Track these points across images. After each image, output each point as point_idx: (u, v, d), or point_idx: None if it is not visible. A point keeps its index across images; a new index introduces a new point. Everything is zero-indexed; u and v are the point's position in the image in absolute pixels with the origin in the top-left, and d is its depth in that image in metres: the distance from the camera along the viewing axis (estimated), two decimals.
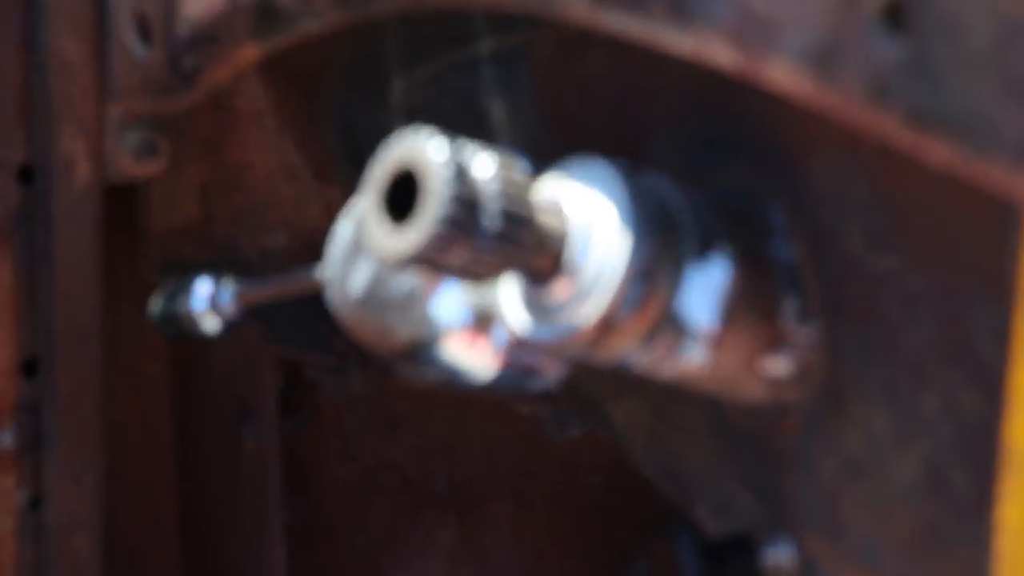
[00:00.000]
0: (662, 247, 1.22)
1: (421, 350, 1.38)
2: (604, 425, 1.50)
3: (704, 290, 1.22)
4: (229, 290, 1.54)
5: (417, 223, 1.17)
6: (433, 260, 1.17)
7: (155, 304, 1.57)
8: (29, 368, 1.72)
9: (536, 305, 1.25)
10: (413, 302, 1.37)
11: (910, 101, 1.01)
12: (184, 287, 1.55)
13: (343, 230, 1.41)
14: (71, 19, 1.64)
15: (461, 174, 1.17)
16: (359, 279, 1.40)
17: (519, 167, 1.21)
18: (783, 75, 1.08)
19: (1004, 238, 1.12)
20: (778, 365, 1.27)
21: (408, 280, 1.37)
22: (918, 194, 1.18)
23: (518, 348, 1.38)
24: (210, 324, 1.55)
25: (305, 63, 1.70)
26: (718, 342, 1.23)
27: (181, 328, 1.56)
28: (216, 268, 1.62)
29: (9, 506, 1.74)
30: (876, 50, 1.03)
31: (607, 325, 1.22)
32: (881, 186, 1.21)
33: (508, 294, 1.28)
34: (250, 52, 1.52)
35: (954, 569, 1.19)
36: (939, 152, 1.01)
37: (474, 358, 1.38)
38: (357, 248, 1.40)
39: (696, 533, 1.35)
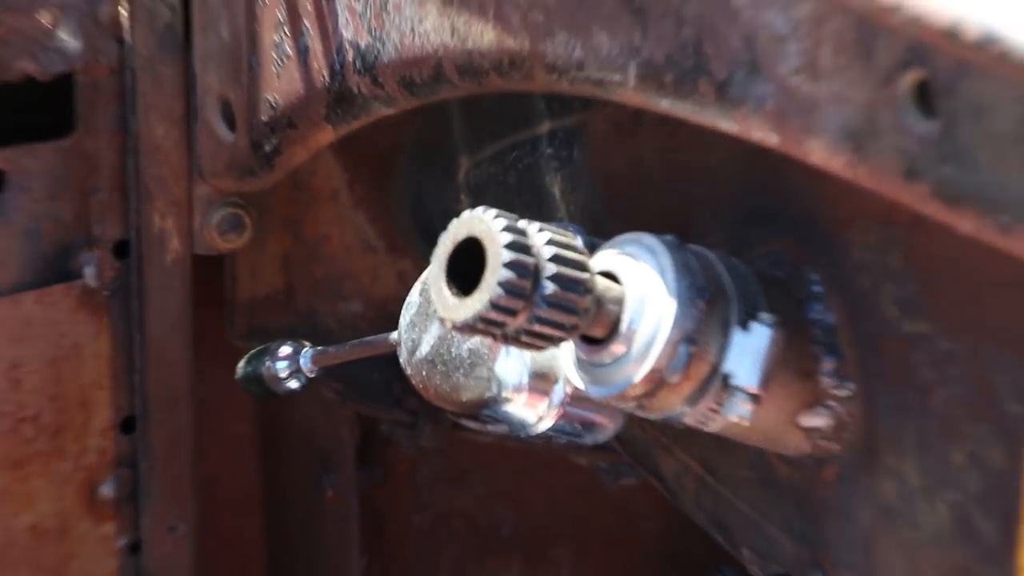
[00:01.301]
0: (708, 314, 1.26)
1: (486, 406, 1.42)
2: (656, 476, 1.53)
3: (748, 353, 1.26)
4: (309, 353, 1.57)
5: (479, 290, 1.21)
6: (494, 325, 1.21)
7: (241, 367, 1.60)
8: (127, 426, 1.77)
9: (591, 366, 1.29)
10: (478, 362, 1.41)
11: (940, 177, 1.04)
12: (268, 351, 1.58)
13: (414, 297, 1.45)
14: (161, 106, 1.67)
15: (520, 245, 1.21)
16: (428, 342, 1.43)
17: (576, 239, 1.25)
18: (821, 152, 1.11)
19: None
20: (817, 420, 1.31)
21: (473, 342, 1.41)
22: (948, 263, 1.22)
23: (575, 404, 1.41)
24: (292, 384, 1.58)
25: (377, 144, 1.75)
26: (761, 400, 1.27)
27: (265, 388, 1.59)
28: (297, 333, 1.66)
29: (111, 550, 1.78)
30: (908, 129, 1.05)
31: (656, 385, 1.26)
32: (913, 256, 1.24)
33: (566, 354, 1.32)
34: (326, 135, 1.55)
35: None
36: (968, 225, 1.03)
37: (535, 413, 1.41)
38: (426, 314, 1.43)
39: (743, 575, 1.39)
